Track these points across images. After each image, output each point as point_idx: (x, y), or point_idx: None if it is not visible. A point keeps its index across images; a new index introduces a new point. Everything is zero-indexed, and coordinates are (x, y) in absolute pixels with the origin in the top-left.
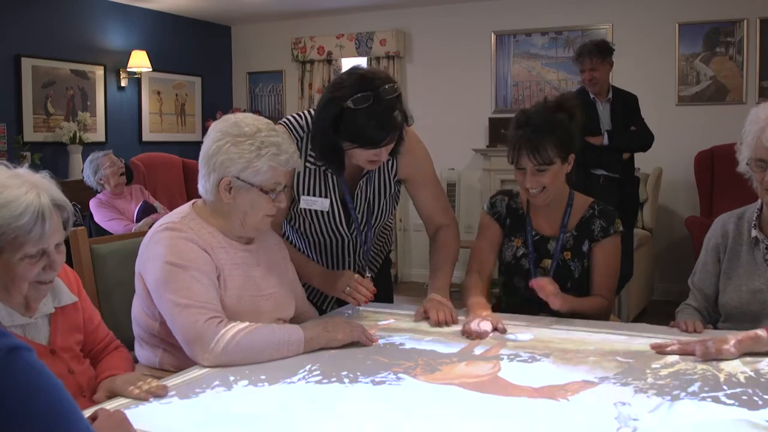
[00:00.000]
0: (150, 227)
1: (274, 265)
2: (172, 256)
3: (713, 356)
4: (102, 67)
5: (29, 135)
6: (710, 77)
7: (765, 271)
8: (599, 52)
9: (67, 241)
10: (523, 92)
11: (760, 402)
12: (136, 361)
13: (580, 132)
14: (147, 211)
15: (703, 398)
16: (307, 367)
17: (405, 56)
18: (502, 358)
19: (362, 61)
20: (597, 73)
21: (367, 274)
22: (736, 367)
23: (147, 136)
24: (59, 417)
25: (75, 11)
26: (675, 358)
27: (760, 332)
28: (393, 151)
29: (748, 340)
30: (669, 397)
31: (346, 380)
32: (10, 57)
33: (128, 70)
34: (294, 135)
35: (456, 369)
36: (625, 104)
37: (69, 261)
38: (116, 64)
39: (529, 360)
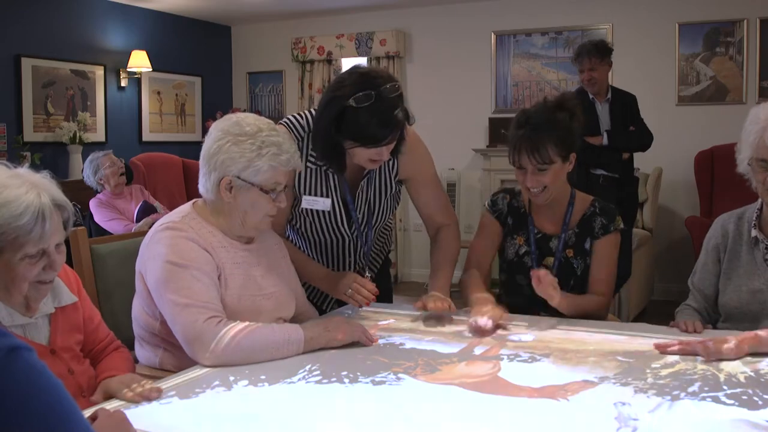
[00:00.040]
0: (150, 227)
1: (274, 264)
2: (173, 255)
3: (714, 356)
4: (102, 67)
5: (29, 135)
6: (710, 77)
7: (765, 271)
8: (598, 52)
9: (67, 241)
10: (523, 92)
11: (760, 402)
12: (136, 361)
13: (581, 131)
14: (147, 211)
15: (703, 398)
16: (307, 367)
17: (405, 56)
18: (502, 358)
19: (362, 61)
20: (596, 73)
21: (367, 274)
22: (736, 367)
23: (147, 136)
24: (59, 417)
25: (75, 11)
26: (675, 358)
27: (761, 333)
28: (394, 151)
29: (748, 341)
30: (669, 397)
31: (346, 380)
32: (10, 57)
33: (128, 70)
34: (295, 135)
35: (456, 369)
36: (624, 104)
37: (69, 261)
38: (116, 64)
39: (529, 360)
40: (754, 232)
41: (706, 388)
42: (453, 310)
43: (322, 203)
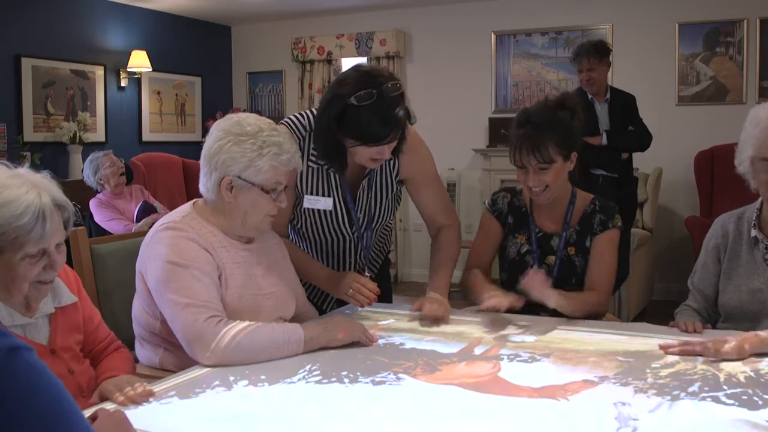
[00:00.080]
0: (150, 227)
1: (274, 264)
2: (173, 255)
3: (714, 356)
4: (102, 67)
5: (29, 135)
6: (710, 77)
7: (765, 271)
8: (597, 52)
9: (67, 241)
10: (523, 92)
11: (760, 402)
12: (136, 360)
13: (581, 130)
14: (147, 211)
15: (703, 398)
16: (307, 367)
17: (405, 56)
18: (502, 358)
19: (362, 61)
20: (594, 73)
21: (366, 274)
22: (736, 367)
23: (147, 136)
24: (59, 417)
25: (75, 11)
26: (675, 358)
27: (762, 334)
28: (395, 150)
29: (749, 341)
30: (669, 397)
31: (346, 380)
32: (10, 57)
33: (128, 70)
34: (296, 135)
35: (456, 369)
36: (623, 104)
37: (69, 261)
38: (116, 64)
39: (529, 360)
40: (753, 232)
41: (706, 388)
42: (447, 319)
43: (324, 203)
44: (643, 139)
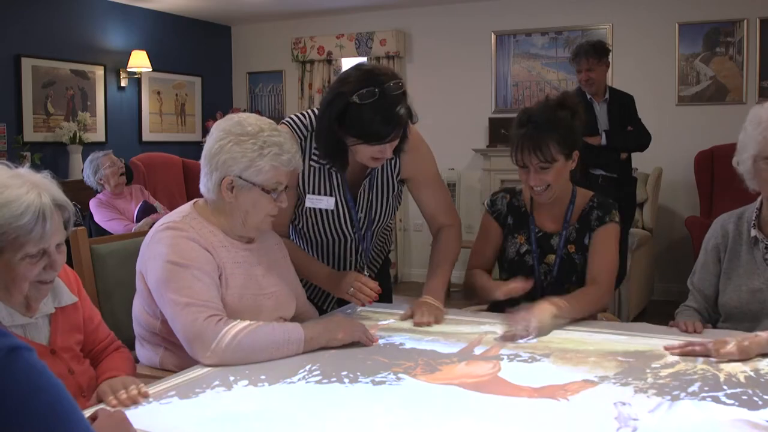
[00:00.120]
0: (150, 227)
1: (274, 264)
2: (174, 255)
3: (718, 357)
4: (102, 67)
5: (29, 135)
6: (710, 77)
7: (765, 271)
8: (595, 52)
9: (67, 241)
10: (523, 92)
11: (760, 402)
12: (137, 360)
13: (582, 130)
14: (147, 211)
15: (703, 398)
16: (307, 367)
17: (405, 56)
18: (502, 358)
19: (363, 61)
20: (593, 73)
21: (366, 274)
22: (736, 367)
23: (147, 136)
24: (59, 417)
25: (75, 11)
26: (675, 358)
27: (762, 334)
28: (397, 149)
29: (750, 341)
30: (669, 397)
31: (346, 380)
32: (10, 57)
33: (128, 70)
34: (298, 134)
35: (456, 369)
36: (622, 105)
37: (69, 261)
38: (116, 64)
39: (529, 360)
40: (753, 232)
41: (706, 388)
42: (438, 323)
43: (326, 202)
44: (642, 139)
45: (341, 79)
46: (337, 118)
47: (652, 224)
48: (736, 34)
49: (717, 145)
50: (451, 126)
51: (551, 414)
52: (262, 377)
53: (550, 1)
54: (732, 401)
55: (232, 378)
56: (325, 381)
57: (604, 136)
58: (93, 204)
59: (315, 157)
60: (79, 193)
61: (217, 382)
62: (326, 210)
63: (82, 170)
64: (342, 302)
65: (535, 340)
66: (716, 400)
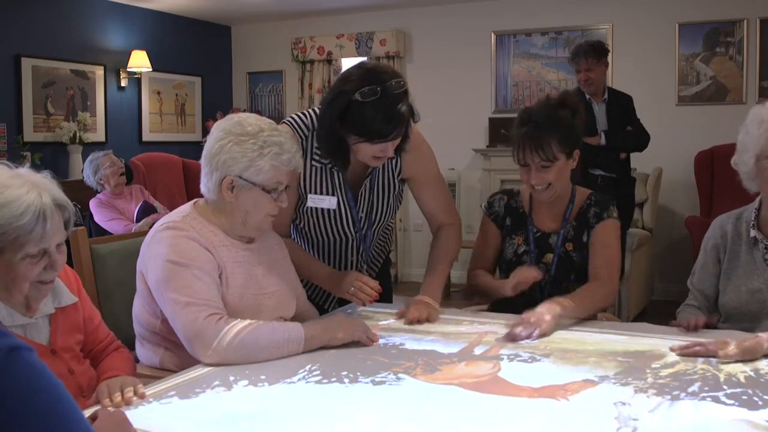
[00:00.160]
0: (150, 227)
1: (274, 264)
2: (174, 254)
3: (722, 358)
4: (102, 67)
5: (29, 135)
6: (710, 77)
7: (764, 271)
8: (594, 52)
9: (67, 241)
10: (523, 92)
11: (760, 402)
12: (137, 360)
13: (583, 129)
14: (147, 211)
15: (703, 398)
16: (307, 367)
17: (405, 56)
18: (502, 358)
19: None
20: (592, 73)
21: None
22: (736, 367)
23: (147, 136)
24: (59, 417)
25: (75, 11)
26: (675, 358)
27: (763, 335)
28: (398, 149)
29: (751, 342)
30: (669, 397)
31: (346, 380)
32: (10, 57)
33: (128, 70)
34: (299, 134)
35: (456, 369)
36: (621, 105)
37: (69, 261)
38: (116, 64)
39: (529, 360)
40: (752, 232)
41: (706, 388)
42: (432, 319)
43: (329, 201)
44: (641, 139)
45: (343, 77)
46: (339, 116)
47: (652, 224)
48: (736, 34)
49: (717, 145)
50: (451, 126)
51: (551, 414)
52: (262, 377)
53: (550, 1)
54: (732, 401)
55: (232, 378)
56: (325, 381)
57: (603, 136)
58: (93, 204)
59: (316, 157)
60: (79, 193)
61: (217, 382)
62: (328, 209)
63: (82, 170)
64: (343, 302)
65: (536, 341)
66: (716, 400)
